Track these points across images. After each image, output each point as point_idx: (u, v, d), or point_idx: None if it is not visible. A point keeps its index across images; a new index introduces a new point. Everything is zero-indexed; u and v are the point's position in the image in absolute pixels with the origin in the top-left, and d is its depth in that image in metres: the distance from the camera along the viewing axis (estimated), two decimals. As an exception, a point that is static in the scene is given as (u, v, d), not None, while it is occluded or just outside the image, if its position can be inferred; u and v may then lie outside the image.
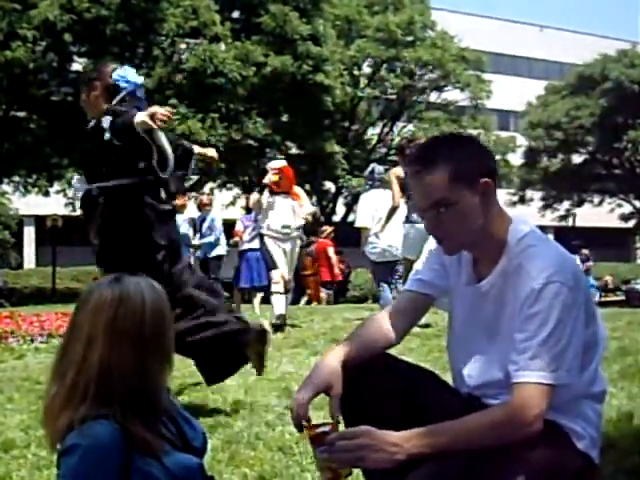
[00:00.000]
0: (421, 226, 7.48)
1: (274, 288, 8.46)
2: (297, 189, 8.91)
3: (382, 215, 8.20)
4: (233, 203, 27.89)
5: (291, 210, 8.62)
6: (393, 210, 7.98)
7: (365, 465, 1.89)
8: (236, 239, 11.85)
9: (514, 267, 2.07)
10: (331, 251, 15.98)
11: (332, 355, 2.13)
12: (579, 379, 2.05)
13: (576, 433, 2.07)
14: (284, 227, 8.51)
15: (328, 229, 16.35)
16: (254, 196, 9.24)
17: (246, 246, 11.63)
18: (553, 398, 1.96)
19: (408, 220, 7.70)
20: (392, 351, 2.28)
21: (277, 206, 8.60)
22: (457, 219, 2.06)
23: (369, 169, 9.46)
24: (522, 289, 2.01)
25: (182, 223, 11.79)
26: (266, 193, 8.75)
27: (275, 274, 8.48)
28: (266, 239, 8.60)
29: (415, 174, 2.07)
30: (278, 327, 7.89)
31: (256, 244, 11.68)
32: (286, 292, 8.62)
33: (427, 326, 6.88)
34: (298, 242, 8.83)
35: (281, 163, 8.87)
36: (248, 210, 12.18)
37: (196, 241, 11.88)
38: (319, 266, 16.06)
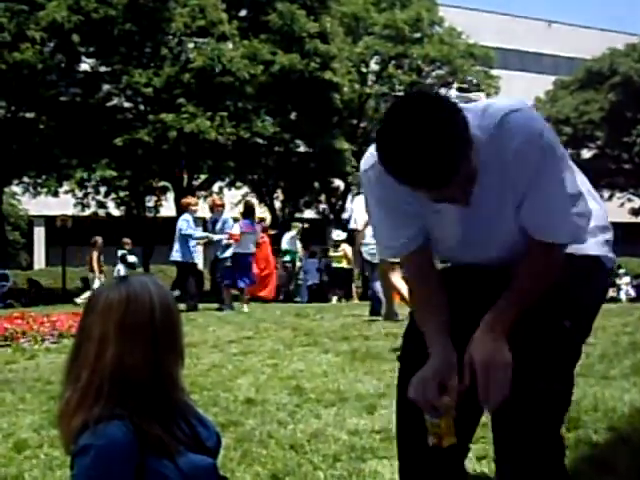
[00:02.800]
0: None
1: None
2: None
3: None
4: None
5: None
6: None
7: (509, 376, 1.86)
8: (231, 241, 11.72)
9: (491, 150, 1.86)
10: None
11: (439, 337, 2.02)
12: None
13: (605, 257, 2.12)
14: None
15: None
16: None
17: (238, 250, 11.62)
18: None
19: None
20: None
21: None
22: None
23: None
24: (503, 157, 1.85)
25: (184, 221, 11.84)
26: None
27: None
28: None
29: None
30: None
31: (249, 248, 11.73)
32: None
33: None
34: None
35: None
36: (245, 215, 12.01)
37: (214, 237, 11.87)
38: None
